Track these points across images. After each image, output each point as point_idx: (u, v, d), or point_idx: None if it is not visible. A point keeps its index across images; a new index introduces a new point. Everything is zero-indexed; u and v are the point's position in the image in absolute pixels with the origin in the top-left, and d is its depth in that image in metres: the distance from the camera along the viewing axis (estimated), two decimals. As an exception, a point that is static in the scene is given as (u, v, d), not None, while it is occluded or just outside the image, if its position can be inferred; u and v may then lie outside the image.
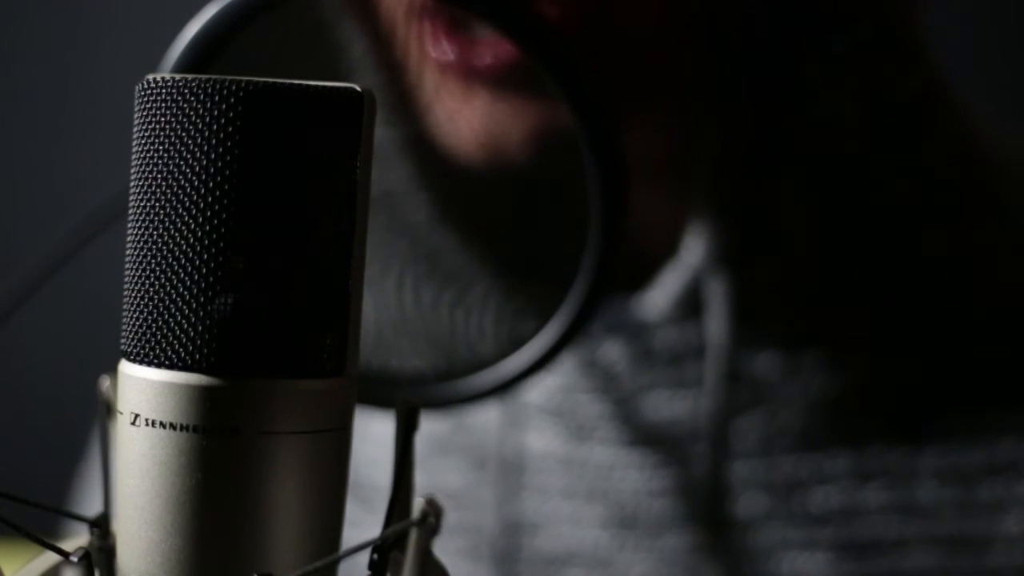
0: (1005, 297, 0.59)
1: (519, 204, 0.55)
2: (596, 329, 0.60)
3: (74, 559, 0.35)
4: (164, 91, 0.35)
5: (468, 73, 0.51)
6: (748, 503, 0.59)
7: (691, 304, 0.58)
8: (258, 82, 0.34)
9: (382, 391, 0.53)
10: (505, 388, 0.54)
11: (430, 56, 0.51)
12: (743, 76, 0.56)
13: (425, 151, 0.54)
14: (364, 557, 0.37)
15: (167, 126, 0.35)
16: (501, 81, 0.51)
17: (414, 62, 0.52)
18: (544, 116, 0.51)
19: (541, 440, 0.62)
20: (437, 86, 0.52)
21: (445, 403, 0.54)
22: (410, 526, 0.35)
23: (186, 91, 0.34)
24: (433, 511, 0.35)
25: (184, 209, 0.34)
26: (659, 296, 0.59)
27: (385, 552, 0.37)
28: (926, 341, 0.58)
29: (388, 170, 0.55)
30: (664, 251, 0.59)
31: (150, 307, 0.35)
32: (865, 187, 0.58)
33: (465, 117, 0.52)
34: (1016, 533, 0.56)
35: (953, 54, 0.62)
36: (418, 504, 0.35)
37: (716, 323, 0.57)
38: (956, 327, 0.59)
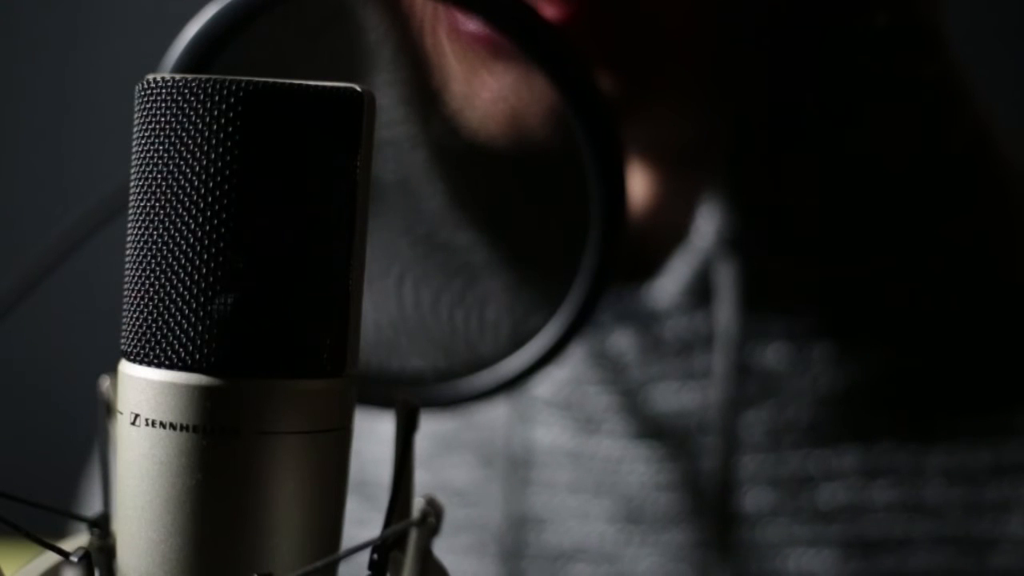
0: (1016, 295, 0.59)
1: (524, 199, 0.55)
2: (606, 319, 0.60)
3: (74, 559, 0.35)
4: (164, 91, 0.35)
5: (494, 46, 0.51)
6: (755, 498, 0.59)
7: (701, 291, 0.58)
8: (258, 82, 0.34)
9: (382, 391, 0.53)
10: (506, 387, 0.54)
11: (455, 31, 0.51)
12: (759, 62, 0.56)
13: (440, 139, 0.54)
14: (364, 557, 0.37)
15: (167, 126, 0.35)
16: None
17: (436, 41, 0.52)
18: None
19: (549, 434, 0.62)
20: (459, 63, 0.52)
21: (446, 403, 0.54)
22: (410, 526, 0.35)
23: (186, 91, 0.34)
24: (433, 511, 0.35)
25: (184, 209, 0.34)
26: (669, 282, 0.59)
27: (385, 552, 0.36)
28: (937, 338, 0.58)
29: (402, 159, 0.55)
30: (676, 240, 0.59)
31: (150, 307, 0.35)
32: (879, 176, 0.58)
33: (488, 92, 0.52)
34: (1022, 534, 0.56)
35: (972, 49, 0.62)
36: (418, 504, 0.35)
37: (726, 310, 0.57)
38: (967, 325, 0.58)
